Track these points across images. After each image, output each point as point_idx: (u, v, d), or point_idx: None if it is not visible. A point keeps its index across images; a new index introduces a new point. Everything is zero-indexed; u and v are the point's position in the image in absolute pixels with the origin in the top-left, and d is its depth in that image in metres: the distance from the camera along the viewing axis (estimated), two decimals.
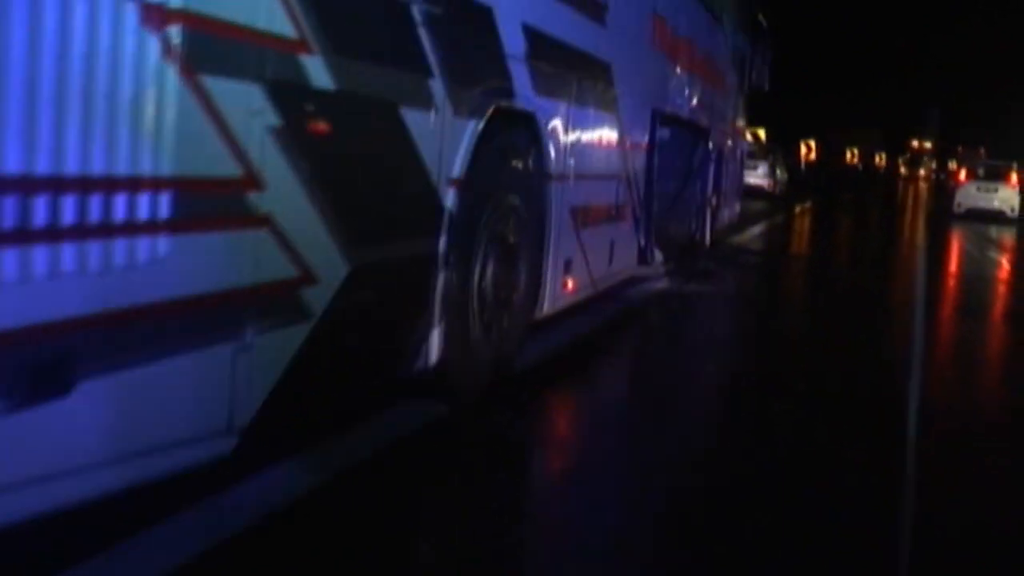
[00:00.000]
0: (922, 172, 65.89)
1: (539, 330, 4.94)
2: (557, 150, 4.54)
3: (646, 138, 6.45)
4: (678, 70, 7.27)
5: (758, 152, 25.71)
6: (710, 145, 9.27)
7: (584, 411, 4.32)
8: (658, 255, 7.64)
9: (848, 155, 45.81)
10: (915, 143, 64.20)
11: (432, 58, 3.17)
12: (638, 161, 6.23)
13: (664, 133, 7.48)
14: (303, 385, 2.68)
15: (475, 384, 3.80)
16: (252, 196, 2.33)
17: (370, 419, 3.44)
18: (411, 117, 3.06)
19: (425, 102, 3.16)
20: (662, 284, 7.86)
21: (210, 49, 2.14)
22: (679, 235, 8.88)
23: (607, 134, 5.41)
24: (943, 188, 33.42)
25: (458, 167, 3.44)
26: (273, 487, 2.84)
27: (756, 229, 15.58)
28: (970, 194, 23.76)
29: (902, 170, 56.39)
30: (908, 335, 6.92)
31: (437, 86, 3.22)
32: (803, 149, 39.82)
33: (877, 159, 50.96)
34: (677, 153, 8.28)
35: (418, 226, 3.25)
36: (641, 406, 4.45)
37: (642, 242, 6.63)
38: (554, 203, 4.54)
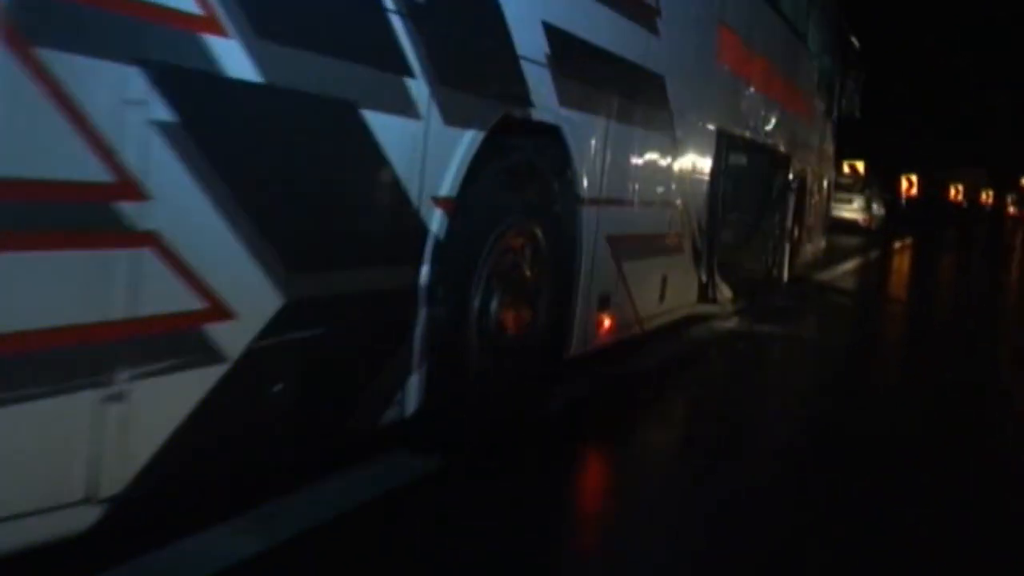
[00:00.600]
0: None
1: (582, 369, 4.39)
2: (592, 171, 3.99)
3: (710, 162, 5.83)
4: (751, 90, 6.63)
5: (853, 185, 24.57)
6: (791, 174, 8.55)
7: (604, 475, 3.71)
8: (725, 291, 6.97)
9: (952, 191, 43.73)
10: None
11: (411, 54, 2.66)
12: (699, 187, 5.62)
13: (734, 158, 6.85)
14: (212, 443, 2.18)
15: (473, 435, 3.26)
16: (129, 207, 1.85)
17: (336, 473, 2.93)
18: (378, 122, 2.55)
19: (400, 105, 2.66)
20: (730, 323, 7.18)
21: (51, 18, 1.67)
22: (752, 270, 8.18)
23: (658, 156, 4.83)
24: None
25: (448, 184, 2.92)
26: (200, 555, 2.36)
27: (846, 266, 14.63)
28: None
29: (1011, 209, 53.68)
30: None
31: (418, 87, 2.71)
32: (904, 184, 38.14)
33: (984, 196, 48.57)
34: (751, 180, 7.61)
35: (387, 252, 2.73)
36: (674, 474, 3.72)
37: (704, 277, 5.99)
38: (587, 231, 3.97)
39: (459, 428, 3.19)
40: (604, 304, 4.30)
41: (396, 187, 2.69)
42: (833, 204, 23.84)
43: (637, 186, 4.55)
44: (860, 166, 32.16)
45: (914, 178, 38.55)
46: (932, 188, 38.52)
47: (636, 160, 4.47)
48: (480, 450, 3.30)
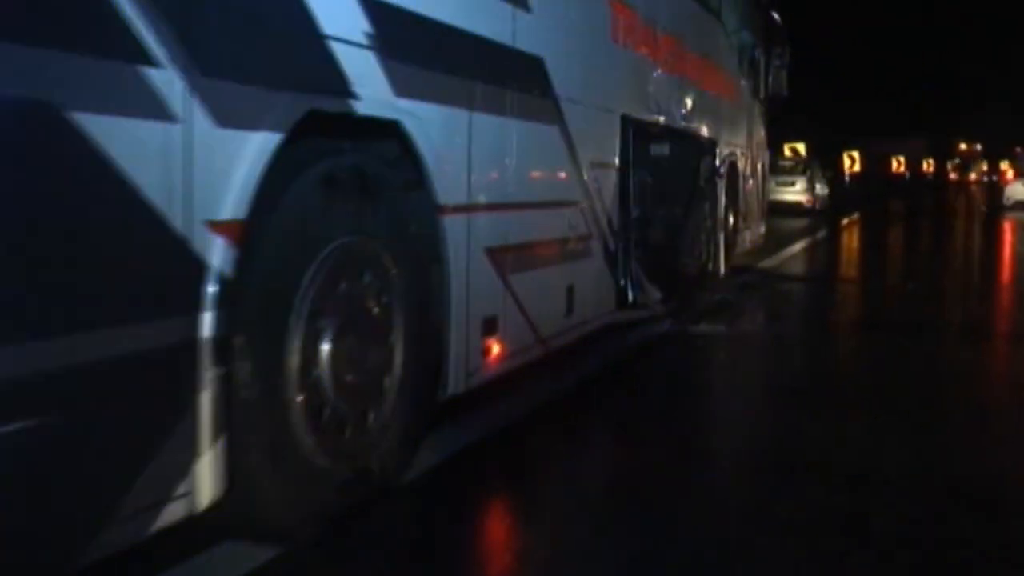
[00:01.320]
0: (973, 176, 63.16)
1: (472, 407, 3.75)
2: (455, 174, 3.34)
3: (616, 153, 5.22)
4: (660, 71, 6.04)
5: (795, 167, 24.28)
6: (717, 159, 7.99)
7: (493, 550, 3.04)
8: (653, 292, 6.38)
9: (895, 164, 43.80)
10: (963, 146, 61.52)
11: (149, 35, 1.99)
12: (606, 182, 5.00)
13: (649, 147, 6.26)
14: None
15: (306, 518, 2.59)
16: None
17: None
18: (103, 128, 1.88)
19: (138, 103, 1.99)
20: (663, 327, 6.58)
21: None
22: (684, 266, 7.60)
23: (545, 150, 4.20)
24: (994, 188, 33.07)
25: (230, 205, 2.25)
26: None
27: (791, 250, 14.16)
28: (1018, 190, 27.95)
29: (952, 175, 54.04)
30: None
31: (166, 79, 2.04)
32: (847, 161, 38.10)
33: (925, 166, 48.75)
34: (673, 170, 7.04)
35: (144, 299, 2.05)
36: (579, 540, 2.94)
37: (621, 280, 5.38)
38: (455, 246, 3.32)
39: (287, 512, 2.52)
40: (490, 329, 3.65)
41: (145, 212, 2.01)
42: (775, 187, 23.58)
43: (521, 187, 3.91)
44: (801, 148, 32.00)
45: (856, 154, 38.52)
46: (874, 163, 38.52)
47: (515, 156, 3.82)
48: (320, 536, 2.63)
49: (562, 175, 4.38)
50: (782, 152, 27.64)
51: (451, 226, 3.29)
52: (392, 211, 3.00)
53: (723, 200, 8.27)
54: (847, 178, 36.33)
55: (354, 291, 2.80)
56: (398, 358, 3.04)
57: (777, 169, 23.56)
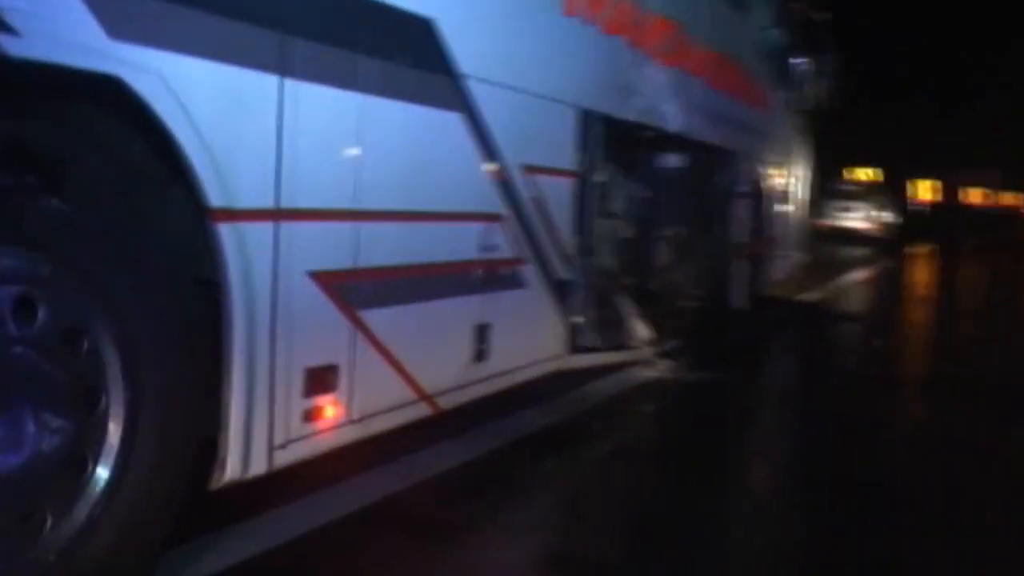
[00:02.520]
0: None
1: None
2: (247, 165, 2.32)
3: (571, 158, 4.15)
4: (649, 62, 4.95)
5: (859, 192, 22.79)
6: (741, 175, 6.84)
7: None
8: (638, 330, 5.27)
9: (970, 195, 41.47)
10: None
11: None
12: (550, 193, 3.92)
13: (630, 154, 5.19)
14: None
15: None
16: None
17: None
18: None
19: None
20: (654, 371, 5.46)
21: None
22: (687, 298, 6.47)
23: (434, 142, 3.13)
24: None
25: None
26: None
27: (844, 281, 12.85)
28: None
29: None
30: None
31: None
32: (919, 190, 36.13)
33: (1001, 198, 46.20)
34: (668, 184, 5.94)
35: None
36: None
37: (575, 317, 4.28)
38: (247, 266, 2.30)
39: None
40: (321, 383, 2.61)
41: None
42: (836, 213, 22.12)
43: (385, 190, 2.86)
44: (871, 173, 30.35)
45: (929, 184, 36.54)
46: (950, 192, 36.46)
47: (373, 147, 2.77)
48: None
49: (468, 179, 3.32)
50: (848, 175, 26.09)
51: (238, 239, 2.27)
52: (105, 214, 2.00)
53: (745, 223, 7.10)
54: (919, 207, 34.41)
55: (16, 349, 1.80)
56: (114, 434, 2.03)
57: (839, 193, 22.16)
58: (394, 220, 2.91)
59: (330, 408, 2.65)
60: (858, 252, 19.10)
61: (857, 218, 21.49)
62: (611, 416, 4.43)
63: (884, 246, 20.89)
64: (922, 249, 22.43)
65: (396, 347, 2.91)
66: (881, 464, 4.06)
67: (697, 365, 5.73)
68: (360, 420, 2.80)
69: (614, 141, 4.76)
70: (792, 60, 8.57)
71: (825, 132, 10.51)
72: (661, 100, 5.20)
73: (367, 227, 2.76)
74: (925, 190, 36.52)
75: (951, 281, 16.49)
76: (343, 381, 2.70)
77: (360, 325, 2.75)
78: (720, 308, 6.76)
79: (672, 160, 6.70)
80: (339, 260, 2.66)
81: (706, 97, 5.98)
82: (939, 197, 36.48)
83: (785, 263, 8.91)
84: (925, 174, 36.51)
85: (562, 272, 4.06)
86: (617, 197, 5.22)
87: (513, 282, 3.65)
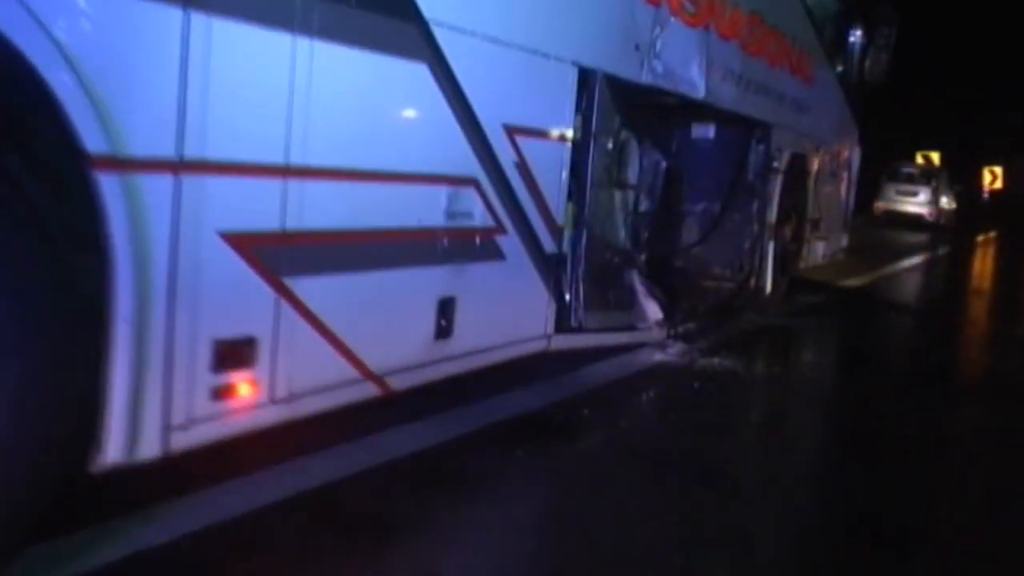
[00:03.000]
0: None
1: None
2: (139, 103, 2.03)
3: (567, 120, 3.80)
4: (669, 20, 4.55)
5: (920, 176, 21.91)
6: (773, 148, 6.40)
7: None
8: (647, 309, 4.93)
9: None
10: None
11: None
12: (539, 158, 3.57)
13: (643, 121, 4.82)
14: None
15: None
16: None
17: None
18: None
19: None
20: (663, 355, 5.11)
21: None
22: (709, 279, 6.11)
23: (395, 94, 2.81)
24: None
25: None
26: None
27: (896, 267, 12.27)
28: None
29: None
30: None
31: None
32: (986, 176, 34.75)
33: None
34: (690, 155, 5.57)
35: None
36: None
37: (566, 294, 3.95)
38: (139, 222, 2.02)
39: None
40: (235, 358, 2.33)
41: None
42: (894, 196, 21.30)
43: (329, 143, 2.55)
44: (935, 157, 29.23)
45: (998, 170, 35.10)
46: (1012, 178, 34.97)
47: (313, 95, 2.46)
48: None
49: (433, 139, 2.99)
50: (909, 159, 25.14)
51: (127, 192, 1.99)
52: None
53: (779, 200, 6.66)
54: (985, 194, 33.11)
55: None
56: None
57: (898, 176, 21.34)
58: (337, 179, 2.61)
59: (246, 386, 2.37)
60: (915, 238, 18.37)
61: (916, 203, 20.70)
62: (601, 404, 4.09)
63: (943, 232, 20.07)
64: (984, 236, 21.53)
65: (335, 320, 2.62)
66: (918, 492, 3.56)
67: (712, 351, 5.36)
68: (288, 400, 2.52)
69: (629, 106, 4.40)
70: (848, 30, 8.04)
71: (886, 112, 9.93)
72: (683, 63, 4.80)
73: (300, 185, 2.46)
74: (988, 176, 35.13)
75: (1012, 272, 15.73)
76: (264, 356, 2.41)
77: (288, 295, 2.46)
78: (746, 290, 6.36)
79: (700, 131, 6.30)
80: (261, 221, 2.37)
81: (740, 63, 5.55)
82: (1002, 183, 35.05)
83: (828, 246, 8.43)
84: (988, 159, 35.09)
85: (550, 244, 3.73)
86: (632, 167, 4.84)
87: (487, 253, 3.32)
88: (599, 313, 4.20)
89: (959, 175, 26.19)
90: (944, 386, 5.47)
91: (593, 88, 3.90)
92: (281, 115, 2.38)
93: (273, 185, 2.38)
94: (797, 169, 7.25)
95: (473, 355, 3.32)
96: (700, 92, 5.02)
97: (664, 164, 5.21)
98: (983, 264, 16.80)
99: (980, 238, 21.15)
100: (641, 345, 5.09)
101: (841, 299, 8.68)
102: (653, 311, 4.97)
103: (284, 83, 2.39)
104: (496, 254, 3.37)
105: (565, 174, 3.81)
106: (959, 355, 6.91)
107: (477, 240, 3.24)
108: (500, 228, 3.36)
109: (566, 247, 3.87)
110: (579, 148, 3.90)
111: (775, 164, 6.43)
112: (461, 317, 3.17)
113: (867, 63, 8.40)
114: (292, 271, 2.46)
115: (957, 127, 30.79)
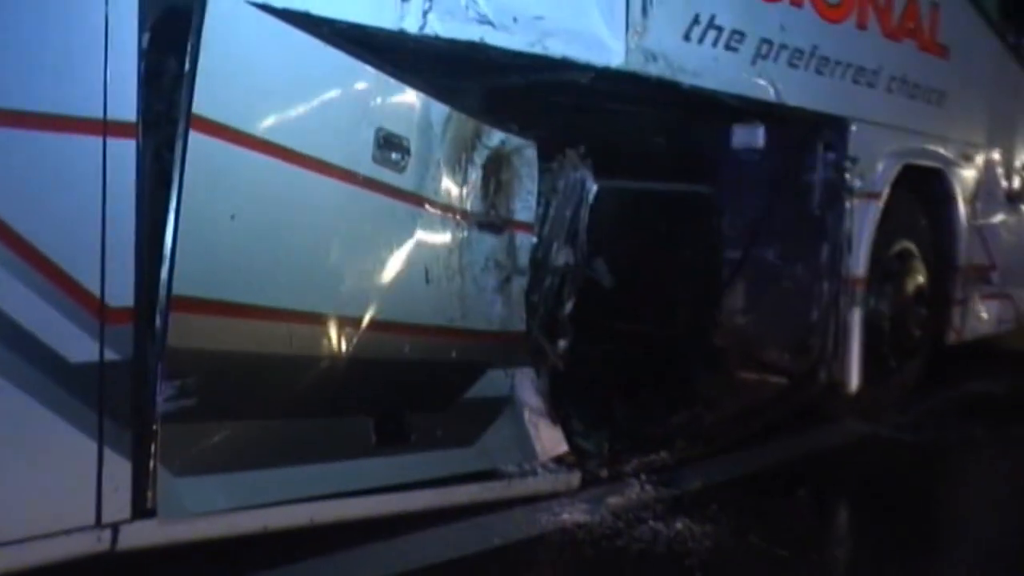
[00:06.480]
0: None
1: None
2: None
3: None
4: None
5: None
6: (849, 158, 4.00)
7: None
8: (545, 438, 2.81)
9: None
10: None
11: None
12: None
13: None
14: None
15: None
16: None
17: None
18: None
19: None
20: (568, 512, 2.86)
21: None
22: (750, 364, 3.89)
23: None
24: None
25: None
26: None
27: None
28: None
29: None
30: None
31: None
32: None
33: None
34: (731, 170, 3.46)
35: None
36: None
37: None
38: None
39: None
40: None
41: None
42: None
43: None
44: None
45: None
46: None
47: None
48: None
49: None
50: None
51: None
52: None
53: (872, 239, 4.17)
54: None
55: None
56: None
57: None
58: None
59: None
60: None
61: None
62: None
63: None
64: None
65: None
66: None
67: (693, 501, 3.05)
68: None
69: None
70: None
71: None
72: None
73: None
74: None
75: None
76: None
77: None
78: (810, 386, 3.95)
79: (744, 136, 4.07)
80: None
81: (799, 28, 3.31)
82: None
83: (1006, 306, 5.66)
84: None
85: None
86: (518, 196, 2.78)
87: None
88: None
89: None
90: None
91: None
92: None
93: None
94: (944, 191, 4.78)
95: None
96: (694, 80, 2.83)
97: (591, 187, 3.04)
98: None
99: None
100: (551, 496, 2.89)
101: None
102: (548, 440, 2.79)
103: None
104: None
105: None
106: None
107: None
108: None
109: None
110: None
111: (857, 183, 3.98)
112: None
113: None
114: None
115: None
